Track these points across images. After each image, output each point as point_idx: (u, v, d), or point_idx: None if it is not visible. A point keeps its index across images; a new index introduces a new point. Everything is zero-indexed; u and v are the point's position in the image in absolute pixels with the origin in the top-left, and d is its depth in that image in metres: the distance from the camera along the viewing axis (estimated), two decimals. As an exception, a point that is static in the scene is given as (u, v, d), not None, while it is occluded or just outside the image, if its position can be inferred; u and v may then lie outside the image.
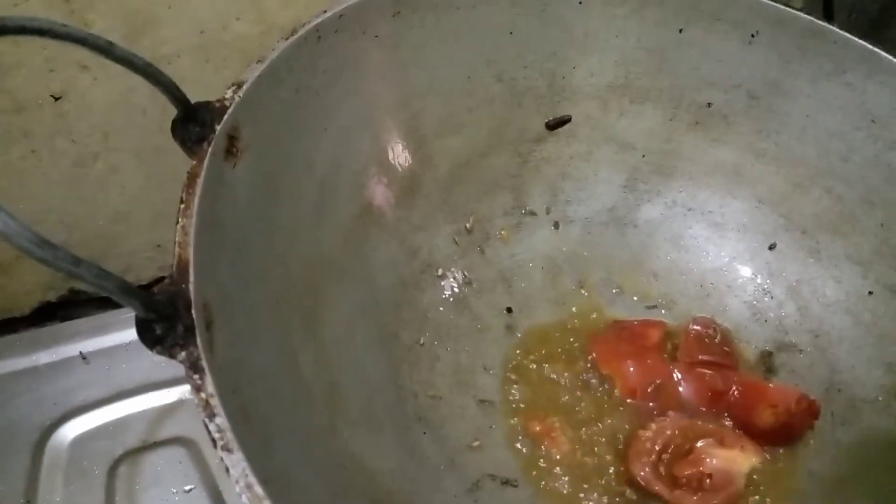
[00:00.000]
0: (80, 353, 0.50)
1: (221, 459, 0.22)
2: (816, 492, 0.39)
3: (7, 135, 0.47)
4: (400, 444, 0.37)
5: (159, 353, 0.24)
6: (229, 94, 0.33)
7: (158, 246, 0.58)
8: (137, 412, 0.47)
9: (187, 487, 0.43)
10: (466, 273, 0.47)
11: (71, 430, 0.45)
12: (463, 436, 0.40)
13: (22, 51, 0.44)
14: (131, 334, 0.50)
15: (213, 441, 0.23)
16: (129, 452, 0.45)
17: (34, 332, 0.52)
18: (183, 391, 0.48)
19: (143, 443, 0.45)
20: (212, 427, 0.23)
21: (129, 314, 0.53)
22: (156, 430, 0.46)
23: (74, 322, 0.52)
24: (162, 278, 0.59)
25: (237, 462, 0.22)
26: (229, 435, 0.23)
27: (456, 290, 0.46)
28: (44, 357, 0.49)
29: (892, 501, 0.36)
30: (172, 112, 0.31)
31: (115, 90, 0.49)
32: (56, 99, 0.47)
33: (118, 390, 0.47)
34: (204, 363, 0.24)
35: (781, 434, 0.41)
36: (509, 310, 0.47)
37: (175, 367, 0.48)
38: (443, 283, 0.46)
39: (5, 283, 0.54)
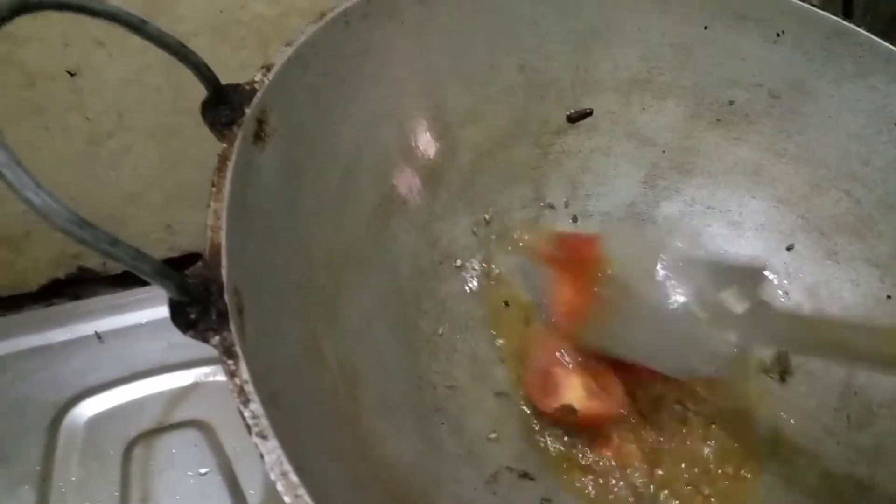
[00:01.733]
0: (96, 332, 0.50)
1: (256, 446, 0.22)
2: (831, 495, 0.39)
3: (19, 109, 0.47)
4: (419, 435, 0.36)
5: (192, 336, 0.24)
6: (259, 76, 0.33)
7: (169, 227, 0.58)
8: (153, 394, 0.46)
9: (203, 470, 0.43)
10: (485, 264, 0.47)
11: (86, 409, 0.45)
12: (480, 427, 0.40)
13: (37, 24, 0.44)
14: (147, 314, 0.50)
15: (248, 427, 0.23)
16: (144, 434, 0.44)
17: (47, 309, 0.52)
18: (198, 374, 0.47)
19: (159, 425, 0.45)
20: (246, 413, 0.23)
21: (144, 294, 0.53)
22: (171, 413, 0.45)
23: (89, 301, 0.52)
24: (172, 259, 0.59)
25: (272, 449, 0.22)
26: (264, 422, 0.23)
27: (474, 281, 0.46)
28: (58, 335, 0.49)
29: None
30: (187, 92, 0.31)
31: (131, 68, 0.48)
32: (71, 75, 0.47)
33: (133, 371, 0.47)
34: (238, 349, 0.24)
35: None
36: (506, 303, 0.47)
37: (190, 350, 0.48)
38: (462, 274, 0.46)
39: (13, 260, 0.53)
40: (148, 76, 0.49)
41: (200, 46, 0.48)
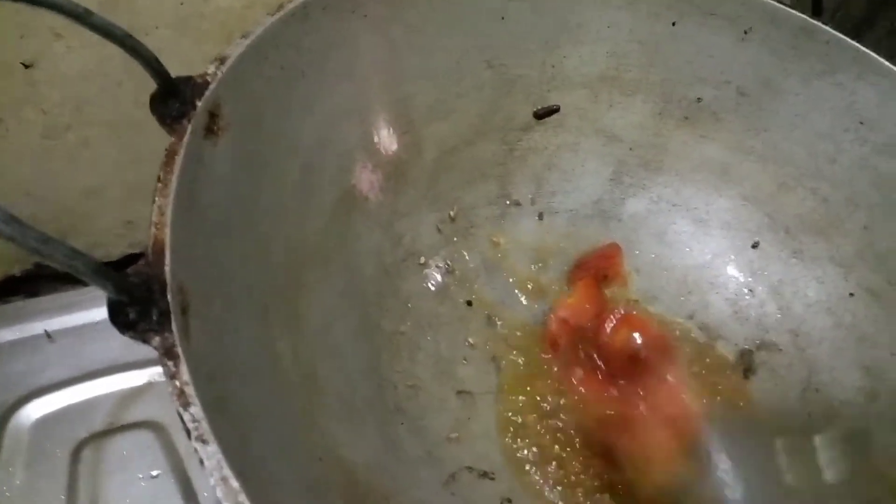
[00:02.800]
0: (46, 331, 0.48)
1: (196, 451, 0.22)
2: (791, 494, 0.39)
3: (-28, 102, 0.45)
4: (378, 436, 0.36)
5: (132, 337, 0.23)
6: (212, 69, 0.32)
7: (129, 222, 0.57)
8: (104, 394, 0.45)
9: (154, 473, 0.42)
10: (449, 262, 0.46)
11: (34, 410, 0.44)
12: (441, 427, 0.39)
13: (-9, 16, 0.43)
14: (99, 313, 0.49)
15: (188, 431, 0.22)
16: (94, 435, 0.43)
17: (-3, 307, 0.51)
18: (152, 373, 0.46)
19: (109, 426, 0.44)
20: (186, 417, 0.22)
21: (97, 292, 0.51)
22: (123, 413, 0.44)
23: (40, 299, 0.50)
24: (132, 255, 0.58)
25: (212, 454, 0.21)
26: (204, 425, 0.22)
27: (438, 279, 0.46)
28: (7, 334, 0.48)
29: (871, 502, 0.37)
30: (148, 85, 0.30)
31: (90, 60, 0.47)
32: (26, 67, 0.46)
33: (84, 371, 0.46)
34: (179, 350, 0.23)
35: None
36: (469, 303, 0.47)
37: (144, 349, 0.46)
38: (425, 272, 0.45)
39: (-36, 257, 0.52)
40: (108, 68, 0.48)
41: (161, 39, 0.48)
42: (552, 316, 0.45)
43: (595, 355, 0.44)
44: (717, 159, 0.48)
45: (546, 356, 0.44)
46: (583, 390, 0.42)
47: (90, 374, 0.46)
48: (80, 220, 0.54)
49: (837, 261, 0.45)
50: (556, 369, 0.43)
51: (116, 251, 0.58)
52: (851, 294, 0.44)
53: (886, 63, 0.41)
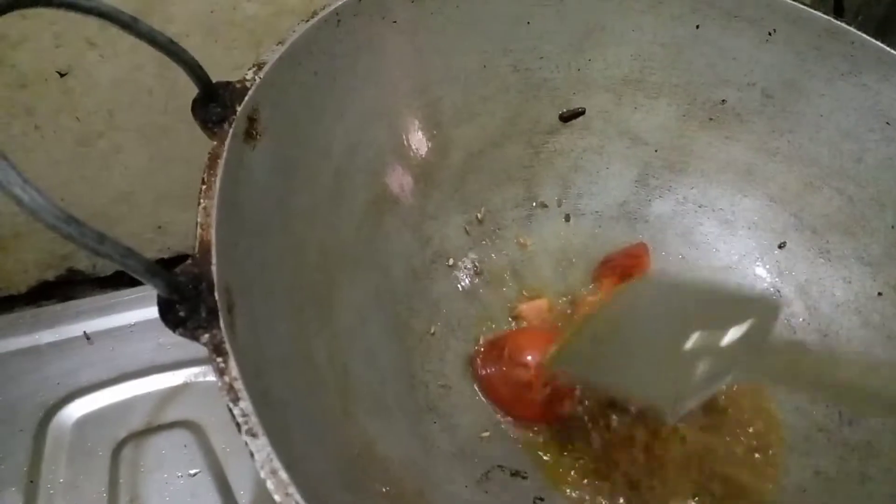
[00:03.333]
0: (84, 332, 0.49)
1: (246, 444, 0.22)
2: (822, 491, 0.39)
3: (10, 110, 0.47)
4: (411, 433, 0.36)
5: (182, 334, 0.24)
6: (250, 74, 0.33)
7: (159, 227, 0.58)
8: (142, 394, 0.46)
9: (192, 471, 0.43)
10: (477, 264, 0.47)
11: (75, 410, 0.45)
12: (472, 426, 0.40)
13: (29, 25, 0.44)
14: (136, 315, 0.50)
15: (238, 425, 0.22)
16: (133, 435, 0.44)
17: (36, 310, 0.52)
18: (188, 374, 0.47)
19: (148, 425, 0.45)
20: (236, 411, 0.23)
21: (133, 295, 0.52)
22: (161, 413, 0.45)
23: (78, 301, 0.51)
24: (162, 260, 0.58)
25: (262, 447, 0.22)
26: (254, 419, 0.22)
27: (466, 280, 0.46)
28: (46, 336, 0.49)
29: (898, 502, 0.37)
30: (178, 92, 0.31)
31: (122, 68, 0.48)
32: (62, 75, 0.47)
33: (122, 372, 0.47)
34: (227, 346, 0.24)
35: None
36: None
37: (180, 350, 0.47)
38: (454, 273, 0.46)
39: (2, 261, 0.53)
40: (139, 76, 0.49)
41: (191, 46, 0.48)
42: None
43: None
44: (743, 160, 0.48)
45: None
46: None
47: (128, 375, 0.47)
48: (111, 225, 0.55)
49: (865, 260, 0.45)
50: None
51: (148, 256, 0.59)
52: (879, 293, 0.44)
53: (912, 64, 0.41)
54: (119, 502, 0.41)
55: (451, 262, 0.46)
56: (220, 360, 0.23)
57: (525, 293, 0.47)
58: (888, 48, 0.42)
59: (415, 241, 0.44)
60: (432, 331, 0.42)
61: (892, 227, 0.44)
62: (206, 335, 0.24)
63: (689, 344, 0.32)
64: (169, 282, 0.24)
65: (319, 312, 0.34)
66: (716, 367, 0.32)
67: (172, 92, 0.50)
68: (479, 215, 0.47)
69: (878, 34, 0.43)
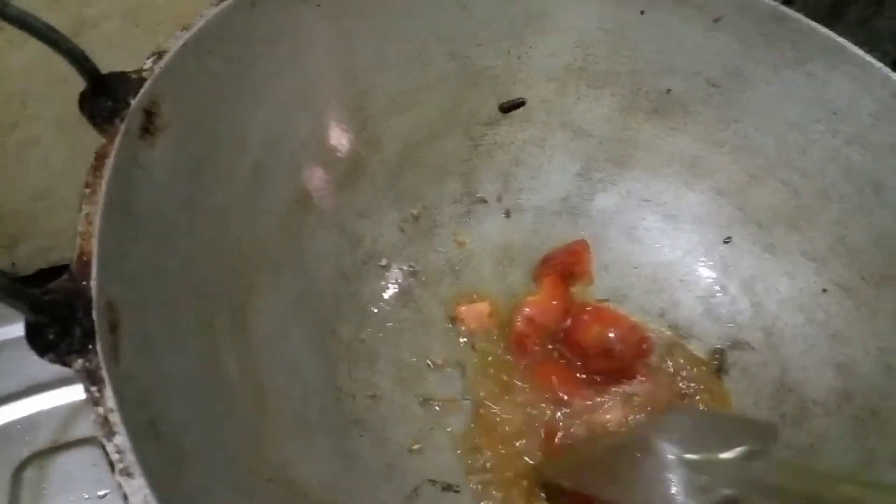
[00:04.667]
0: (-14, 342, 0.46)
1: (119, 485, 0.20)
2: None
3: (-90, 100, 0.43)
4: (335, 451, 0.34)
5: (52, 360, 0.22)
6: (148, 64, 0.30)
7: (85, 225, 0.55)
8: (48, 409, 0.43)
9: (101, 492, 0.40)
10: (412, 263, 0.45)
11: (-28, 428, 0.41)
12: (403, 438, 0.38)
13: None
14: (45, 323, 0.46)
15: (111, 464, 0.20)
16: (37, 454, 0.41)
17: (-68, 319, 0.48)
18: (99, 387, 0.44)
19: (54, 443, 0.41)
20: (109, 447, 0.20)
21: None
22: (68, 430, 0.42)
23: (-22, 310, 0.48)
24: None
25: (138, 488, 0.20)
26: (130, 457, 0.20)
27: (401, 281, 0.44)
28: (-56, 347, 0.45)
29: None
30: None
31: (34, 54, 0.44)
32: (-34, 62, 0.43)
33: (28, 385, 0.43)
34: (104, 373, 0.21)
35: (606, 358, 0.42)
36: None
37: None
38: (387, 275, 0.44)
39: None
40: (54, 63, 0.45)
41: (110, 31, 0.46)
42: (518, 315, 0.43)
43: (569, 353, 0.43)
44: (688, 152, 0.47)
45: (513, 357, 0.43)
46: (561, 393, 0.41)
47: (33, 388, 0.43)
48: (30, 224, 0.52)
49: (810, 255, 0.44)
50: (524, 371, 0.42)
51: (72, 254, 0.56)
52: (824, 290, 0.43)
53: (859, 52, 0.40)
54: (20, 528, 0.38)
55: (384, 262, 0.44)
56: (94, 388, 0.21)
57: (468, 295, 0.45)
58: (835, 36, 0.41)
59: (344, 241, 0.41)
60: (362, 337, 0.40)
61: (837, 221, 0.43)
62: (80, 360, 0.21)
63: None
64: (33, 303, 0.21)
65: (233, 324, 0.32)
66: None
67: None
68: (414, 212, 0.45)
69: (828, 18, 0.42)
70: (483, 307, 0.44)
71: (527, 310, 0.44)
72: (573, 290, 0.46)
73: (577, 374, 0.42)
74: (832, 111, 0.42)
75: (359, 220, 0.42)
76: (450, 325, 0.43)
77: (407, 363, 0.41)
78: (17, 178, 0.49)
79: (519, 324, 0.43)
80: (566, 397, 0.41)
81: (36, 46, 0.44)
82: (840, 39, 0.40)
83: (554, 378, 0.42)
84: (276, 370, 0.33)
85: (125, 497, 0.20)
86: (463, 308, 0.44)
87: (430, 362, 0.41)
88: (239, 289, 0.33)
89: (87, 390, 0.21)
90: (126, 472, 0.20)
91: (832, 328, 0.42)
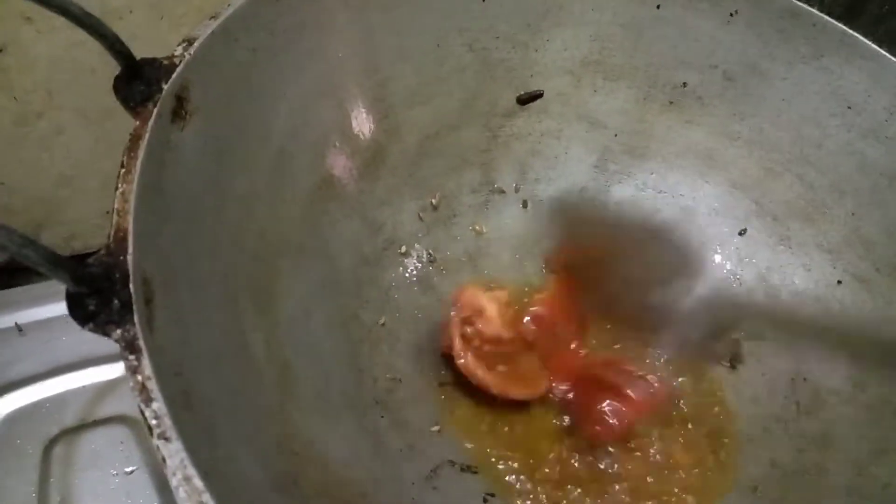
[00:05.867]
0: (16, 324, 0.47)
1: (157, 448, 0.21)
2: (778, 482, 0.38)
3: (-59, 88, 0.44)
4: (357, 430, 0.35)
5: (92, 330, 0.22)
6: (179, 51, 0.31)
7: (108, 213, 0.55)
8: (76, 388, 0.44)
9: (128, 469, 0.41)
10: (431, 251, 0.45)
11: (4, 406, 0.42)
12: (423, 420, 0.38)
13: (-42, 1, 0.41)
14: (71, 305, 0.47)
15: (149, 428, 0.21)
16: (66, 431, 0.42)
17: (-35, 301, 0.49)
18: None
19: (82, 421, 0.42)
20: (147, 413, 0.21)
21: (69, 284, 0.49)
22: (96, 408, 0.43)
23: (10, 291, 0.48)
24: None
25: (175, 452, 0.20)
26: (167, 421, 0.21)
27: (420, 268, 0.45)
28: (-25, 328, 0.46)
29: (854, 493, 0.36)
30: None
31: (60, 45, 0.46)
32: (-4, 52, 0.44)
33: (56, 364, 0.44)
34: (141, 342, 0.22)
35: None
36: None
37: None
38: (406, 261, 0.44)
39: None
40: (79, 54, 0.47)
41: (135, 23, 0.46)
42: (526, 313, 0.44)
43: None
44: (703, 145, 0.47)
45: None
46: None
47: (62, 368, 0.44)
48: (55, 211, 0.53)
49: (825, 248, 0.44)
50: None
51: (96, 242, 0.57)
52: (839, 282, 0.43)
53: (873, 46, 0.41)
54: (49, 502, 0.39)
55: (403, 249, 0.44)
56: (132, 357, 0.22)
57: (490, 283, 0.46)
58: (849, 30, 0.41)
59: (365, 227, 0.42)
60: (382, 321, 0.41)
61: (852, 213, 0.43)
62: (119, 331, 0.22)
63: None
64: (75, 273, 0.22)
65: (258, 304, 0.32)
66: None
67: (115, 71, 0.48)
68: (433, 201, 0.46)
69: (845, 16, 0.42)
70: (502, 295, 0.44)
71: (535, 308, 0.44)
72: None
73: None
74: (847, 105, 0.42)
75: (379, 207, 0.43)
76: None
77: (425, 348, 0.41)
78: (42, 167, 0.51)
79: (527, 321, 0.44)
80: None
81: (63, 38, 0.45)
82: (855, 34, 0.41)
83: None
84: (300, 350, 0.34)
85: (163, 459, 0.20)
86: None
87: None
88: (263, 271, 0.34)
89: (125, 359, 0.22)
90: (164, 436, 0.21)
91: (847, 318, 0.42)
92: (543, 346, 0.43)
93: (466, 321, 0.41)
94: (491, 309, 0.42)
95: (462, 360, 0.39)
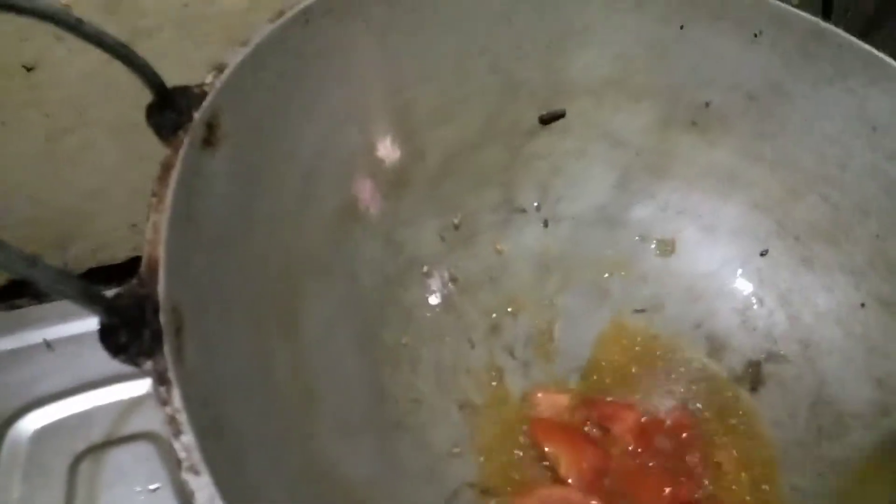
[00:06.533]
0: (45, 339, 0.47)
1: (187, 483, 0.21)
2: (799, 507, 0.38)
3: (-25, 106, 0.45)
4: (378, 452, 0.35)
5: (123, 361, 0.23)
6: (209, 78, 0.31)
7: (134, 225, 0.56)
8: (103, 405, 0.44)
9: (153, 486, 0.41)
10: (453, 270, 0.46)
11: (32, 422, 0.43)
12: (443, 442, 0.39)
13: (-9, 20, 0.42)
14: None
15: (178, 462, 0.21)
16: (92, 448, 0.42)
17: (-5, 315, 0.50)
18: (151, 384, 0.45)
19: (108, 437, 0.43)
20: (177, 446, 0.21)
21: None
22: (122, 425, 0.43)
23: (40, 307, 0.49)
24: (138, 258, 0.58)
25: (204, 485, 0.21)
26: (196, 455, 0.21)
27: (442, 287, 0.45)
28: (5, 343, 0.47)
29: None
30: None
31: (91, 62, 0.46)
32: (28, 70, 0.45)
33: (83, 381, 0.45)
34: (171, 374, 0.22)
35: None
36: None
37: (144, 360, 0.45)
38: (428, 281, 0.45)
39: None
40: (109, 70, 0.48)
41: (163, 42, 0.47)
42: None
43: None
44: (726, 165, 0.47)
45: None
46: None
47: (90, 385, 0.45)
48: (83, 223, 0.54)
49: (848, 269, 0.44)
50: None
51: (122, 254, 0.58)
52: (862, 304, 0.43)
53: (899, 67, 0.40)
54: (75, 519, 0.40)
55: (425, 269, 0.45)
56: (162, 389, 0.22)
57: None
58: (875, 51, 0.41)
59: (387, 247, 0.42)
60: (404, 341, 0.41)
61: (877, 236, 0.43)
62: (149, 362, 0.23)
63: None
64: (108, 306, 0.22)
65: (282, 326, 0.33)
66: None
67: (143, 88, 0.48)
68: (455, 220, 0.46)
69: (867, 30, 0.42)
70: (562, 399, 0.43)
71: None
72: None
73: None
74: (872, 126, 0.42)
75: (402, 227, 0.43)
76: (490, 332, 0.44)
77: (447, 368, 0.42)
78: (71, 181, 0.51)
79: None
80: None
81: (93, 56, 0.46)
82: (880, 55, 0.41)
83: None
84: (323, 372, 0.34)
85: (192, 493, 0.21)
86: (540, 395, 0.43)
87: (468, 369, 0.42)
88: (288, 293, 0.34)
89: (155, 391, 0.22)
90: (193, 470, 0.21)
91: (870, 342, 0.42)
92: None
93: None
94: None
95: None
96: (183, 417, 0.22)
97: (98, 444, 0.43)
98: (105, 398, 0.44)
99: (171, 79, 0.31)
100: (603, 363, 0.45)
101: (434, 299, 0.44)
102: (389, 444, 0.36)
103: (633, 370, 0.45)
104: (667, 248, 0.48)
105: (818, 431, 0.41)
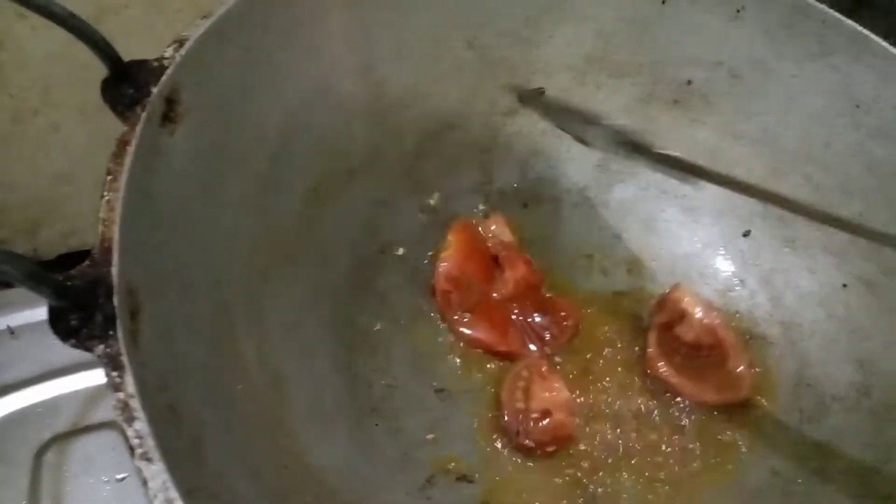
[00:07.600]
0: (8, 327, 0.46)
1: (139, 470, 0.20)
2: (780, 490, 0.38)
3: (-66, 87, 0.44)
4: (350, 439, 0.34)
5: (74, 346, 0.22)
6: (169, 52, 0.30)
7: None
8: (69, 393, 0.43)
9: (120, 476, 0.40)
10: (429, 253, 0.45)
11: (-5, 411, 0.42)
12: (419, 428, 0.38)
13: (-50, -1, 0.41)
14: (64, 308, 0.47)
15: (131, 449, 0.20)
16: (57, 437, 0.41)
17: (-45, 302, 0.48)
18: (118, 372, 0.44)
19: (74, 426, 0.42)
20: (130, 432, 0.20)
21: (63, 287, 0.49)
22: (88, 413, 0.42)
23: (2, 293, 0.47)
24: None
25: (157, 473, 0.20)
26: (150, 442, 0.20)
27: (418, 271, 0.44)
28: (-34, 331, 0.45)
29: (858, 501, 0.35)
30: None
31: (56, 41, 0.45)
32: (-9, 49, 0.44)
33: (48, 369, 0.44)
34: (125, 359, 0.21)
35: None
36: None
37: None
38: (404, 264, 0.44)
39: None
40: (75, 50, 0.45)
41: (131, 18, 0.46)
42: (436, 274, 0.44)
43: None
44: (708, 144, 0.46)
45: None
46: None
47: (54, 373, 0.44)
48: (52, 208, 0.52)
49: (831, 250, 0.43)
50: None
51: (93, 240, 0.56)
52: (844, 285, 0.42)
53: (884, 44, 0.39)
54: (40, 510, 0.38)
55: (401, 251, 0.44)
56: (115, 374, 0.21)
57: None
58: (859, 27, 0.40)
59: (361, 230, 0.41)
60: (378, 326, 0.40)
61: (860, 214, 0.42)
62: (101, 346, 0.22)
63: None
64: (57, 288, 0.21)
65: (249, 310, 0.32)
66: None
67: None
68: (432, 202, 0.45)
69: (856, 7, 0.41)
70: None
71: (444, 264, 0.44)
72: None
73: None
74: (856, 104, 0.41)
75: (376, 209, 0.42)
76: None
77: (422, 353, 0.41)
78: (39, 164, 0.50)
79: (441, 282, 0.43)
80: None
81: (58, 34, 0.44)
82: (865, 31, 0.40)
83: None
84: (292, 357, 0.33)
85: (144, 481, 0.20)
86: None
87: (445, 353, 0.41)
88: (255, 276, 0.33)
89: (107, 375, 0.21)
90: (145, 457, 0.20)
91: (852, 323, 0.41)
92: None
93: (666, 326, 0.43)
94: (694, 313, 0.43)
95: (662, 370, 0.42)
96: (136, 403, 0.21)
97: (63, 433, 0.42)
98: (70, 386, 0.43)
99: (140, 55, 0.30)
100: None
101: (409, 283, 0.43)
102: (362, 432, 0.36)
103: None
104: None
105: (800, 413, 0.40)
